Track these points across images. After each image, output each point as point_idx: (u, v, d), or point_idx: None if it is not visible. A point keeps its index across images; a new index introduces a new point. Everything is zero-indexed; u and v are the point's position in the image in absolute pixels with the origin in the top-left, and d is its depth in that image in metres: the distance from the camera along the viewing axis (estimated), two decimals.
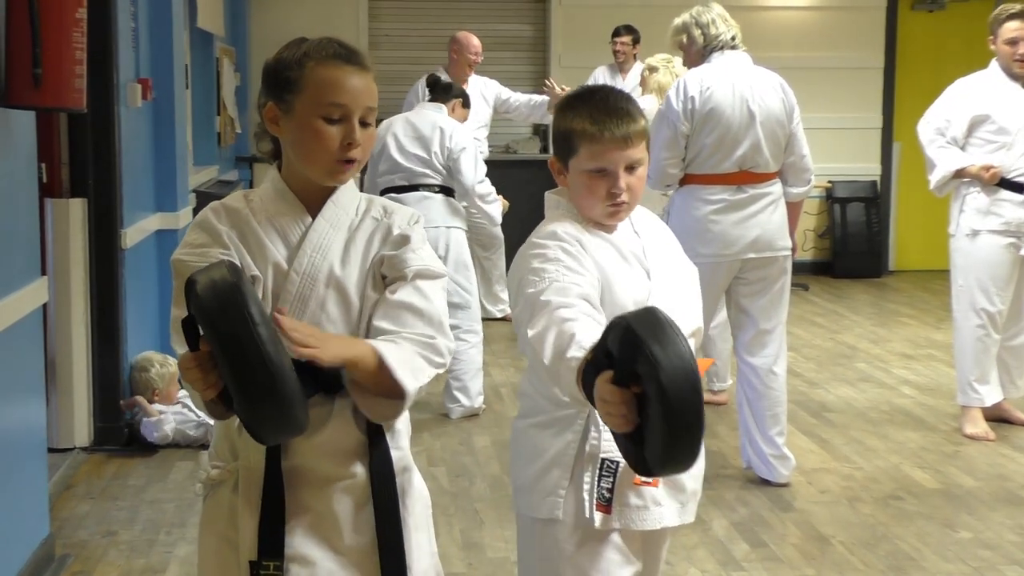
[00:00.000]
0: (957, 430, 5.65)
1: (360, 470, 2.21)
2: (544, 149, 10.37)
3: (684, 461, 2.05)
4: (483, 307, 8.17)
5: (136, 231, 5.56)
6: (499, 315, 8.25)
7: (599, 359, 2.11)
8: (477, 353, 5.98)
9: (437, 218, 5.92)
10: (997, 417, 5.70)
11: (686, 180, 4.86)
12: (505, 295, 8.36)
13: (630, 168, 2.50)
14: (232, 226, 2.19)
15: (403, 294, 2.19)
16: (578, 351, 2.20)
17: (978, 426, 5.58)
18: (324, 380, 2.11)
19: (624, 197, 2.49)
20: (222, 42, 8.57)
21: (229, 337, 1.95)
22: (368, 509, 2.21)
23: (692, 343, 2.53)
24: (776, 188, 4.88)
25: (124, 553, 4.16)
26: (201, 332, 2.01)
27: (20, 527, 3.74)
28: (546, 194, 2.64)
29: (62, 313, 4.98)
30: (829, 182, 10.44)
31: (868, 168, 10.65)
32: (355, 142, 2.17)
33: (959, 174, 5.59)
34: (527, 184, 9.78)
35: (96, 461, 5.12)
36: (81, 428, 5.16)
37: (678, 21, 5.02)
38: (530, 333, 2.34)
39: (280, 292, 2.18)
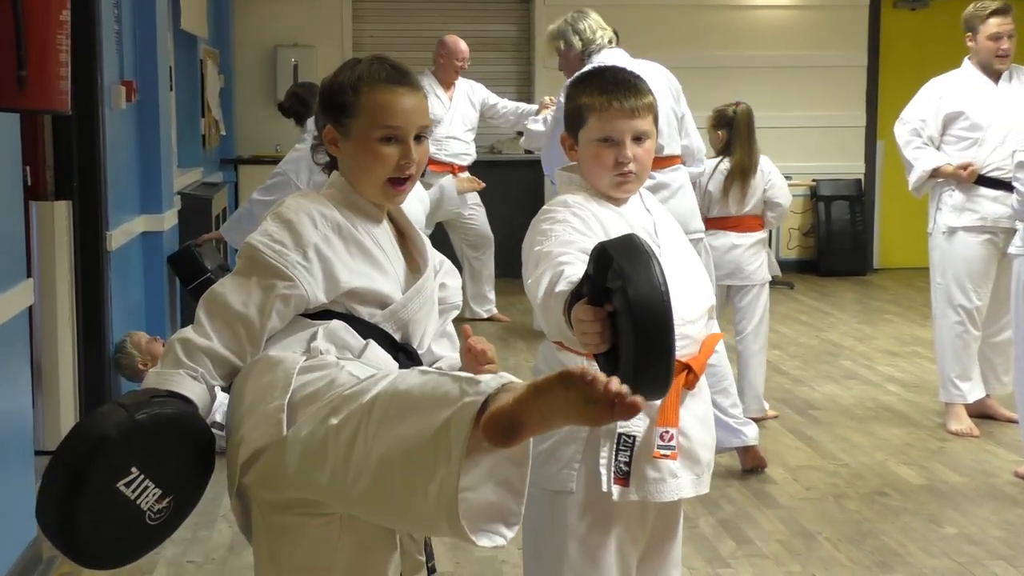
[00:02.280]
0: (942, 426, 5.67)
1: None
2: (529, 150, 10.36)
3: (657, 379, 2.10)
4: (470, 307, 8.19)
5: (121, 233, 5.55)
6: (485, 315, 8.25)
7: (580, 288, 2.21)
8: None
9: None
10: (981, 413, 5.72)
11: None
12: (493, 295, 8.36)
13: (637, 139, 2.58)
14: (325, 239, 2.26)
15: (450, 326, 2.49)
16: (566, 285, 2.29)
17: (962, 422, 5.60)
18: None
19: (631, 167, 2.57)
20: (206, 44, 8.56)
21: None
22: None
23: (706, 320, 2.59)
24: (682, 173, 4.95)
25: None
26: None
27: (7, 530, 3.73)
28: (557, 171, 2.72)
29: (48, 315, 4.97)
30: (813, 180, 10.47)
31: (852, 166, 10.68)
32: (411, 161, 2.31)
33: (936, 173, 5.62)
34: (512, 184, 9.79)
35: None
36: (68, 430, 5.13)
37: (553, 27, 5.10)
38: (529, 281, 2.43)
39: (397, 307, 2.32)
